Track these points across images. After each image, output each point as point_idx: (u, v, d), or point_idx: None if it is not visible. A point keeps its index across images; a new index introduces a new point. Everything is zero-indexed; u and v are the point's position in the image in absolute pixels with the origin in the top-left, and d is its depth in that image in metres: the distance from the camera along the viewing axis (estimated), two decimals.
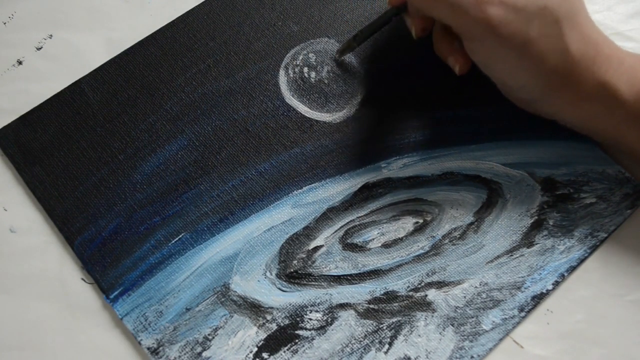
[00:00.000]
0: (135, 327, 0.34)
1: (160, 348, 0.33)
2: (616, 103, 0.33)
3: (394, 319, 0.34)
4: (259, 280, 0.35)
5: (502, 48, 0.33)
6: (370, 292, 0.35)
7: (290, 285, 0.35)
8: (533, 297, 0.34)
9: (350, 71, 0.40)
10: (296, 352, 0.33)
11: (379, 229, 0.36)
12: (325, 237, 0.36)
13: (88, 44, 0.41)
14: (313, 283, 0.35)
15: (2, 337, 0.34)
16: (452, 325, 0.34)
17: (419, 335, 0.34)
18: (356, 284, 0.35)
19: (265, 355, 0.33)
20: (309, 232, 0.36)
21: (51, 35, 0.41)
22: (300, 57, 0.40)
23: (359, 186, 0.37)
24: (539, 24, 0.32)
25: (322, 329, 0.34)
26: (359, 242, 0.36)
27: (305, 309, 0.34)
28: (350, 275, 0.35)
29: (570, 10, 0.33)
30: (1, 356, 0.33)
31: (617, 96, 0.33)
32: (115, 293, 0.34)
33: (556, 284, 0.35)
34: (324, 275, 0.35)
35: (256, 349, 0.33)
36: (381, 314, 0.34)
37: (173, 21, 0.41)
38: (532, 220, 0.36)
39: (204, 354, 0.33)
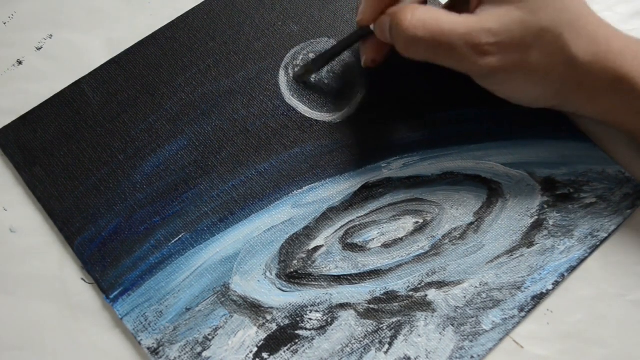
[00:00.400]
0: (135, 327, 0.34)
1: (160, 348, 0.33)
2: (634, 95, 0.33)
3: (394, 319, 0.34)
4: (259, 280, 0.35)
5: (509, 78, 0.33)
6: (370, 292, 0.35)
7: (290, 285, 0.35)
8: (533, 297, 0.34)
9: (350, 71, 0.40)
10: (296, 352, 0.33)
11: (379, 229, 0.36)
12: (325, 237, 0.36)
13: (88, 44, 0.41)
14: (313, 283, 0.35)
15: (2, 337, 0.34)
16: (452, 325, 0.34)
17: (419, 335, 0.34)
18: (356, 284, 0.35)
19: (265, 355, 0.33)
20: (309, 232, 0.36)
21: (51, 35, 0.41)
22: (300, 57, 0.40)
23: (359, 186, 0.37)
24: (539, 46, 0.32)
25: (322, 329, 0.34)
26: (359, 242, 0.36)
27: (305, 309, 0.34)
28: (350, 275, 0.35)
29: (570, 18, 0.32)
30: (1, 356, 0.33)
31: (635, 88, 0.33)
32: (115, 293, 0.34)
33: (556, 284, 0.35)
34: (324, 275, 0.35)
35: (256, 349, 0.33)
36: (381, 314, 0.34)
37: (173, 21, 0.41)
38: (532, 220, 0.36)
39: (204, 354, 0.33)
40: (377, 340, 0.33)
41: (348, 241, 0.36)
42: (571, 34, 0.32)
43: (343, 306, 0.34)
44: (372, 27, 0.36)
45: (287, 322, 0.34)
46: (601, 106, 0.35)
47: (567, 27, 0.32)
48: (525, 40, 0.32)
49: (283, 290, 0.35)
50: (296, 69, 0.40)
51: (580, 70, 0.33)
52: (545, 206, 0.36)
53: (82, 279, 0.35)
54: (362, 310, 0.34)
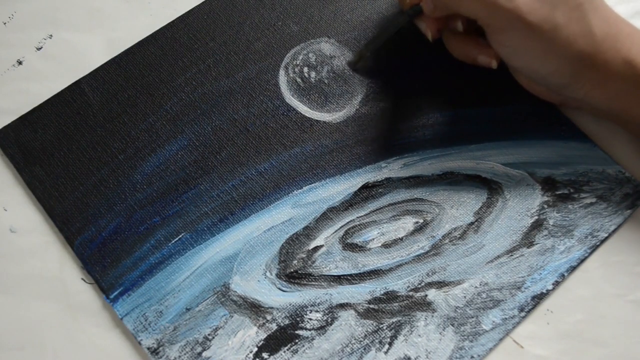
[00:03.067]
0: (135, 327, 0.34)
1: (160, 348, 0.33)
2: None
3: (394, 319, 0.34)
4: (259, 280, 0.35)
5: (531, 36, 0.34)
6: (370, 292, 0.35)
7: (290, 285, 0.35)
8: (533, 297, 0.34)
9: (350, 71, 0.40)
10: (296, 352, 0.33)
11: (379, 228, 0.36)
12: (325, 237, 0.36)
13: (88, 44, 0.41)
14: (313, 283, 0.35)
15: (2, 337, 0.34)
16: (452, 325, 0.34)
17: (419, 335, 0.34)
18: (356, 284, 0.35)
19: (265, 355, 0.33)
20: (309, 232, 0.36)
21: (51, 35, 0.41)
22: (300, 57, 0.40)
23: (359, 186, 0.37)
24: (564, 9, 0.33)
25: (322, 329, 0.34)
26: (359, 242, 0.36)
27: (305, 309, 0.34)
28: (350, 275, 0.35)
29: None
30: (1, 356, 0.33)
31: None
32: (115, 293, 0.34)
33: (556, 284, 0.35)
34: (324, 275, 0.35)
35: (256, 349, 0.33)
36: (381, 314, 0.34)
37: (173, 21, 0.41)
38: (532, 220, 0.36)
39: (204, 354, 0.33)
40: (377, 340, 0.33)
41: (348, 241, 0.36)
42: (589, 9, 0.34)
43: (343, 306, 0.34)
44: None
45: (287, 322, 0.34)
46: (610, 90, 0.35)
47: (586, 0, 0.33)
48: None
49: (283, 290, 0.35)
50: (351, 61, 0.40)
51: (595, 47, 0.34)
52: (545, 206, 0.36)
53: (82, 279, 0.35)
54: (362, 310, 0.34)
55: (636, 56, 0.34)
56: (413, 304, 0.34)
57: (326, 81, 0.40)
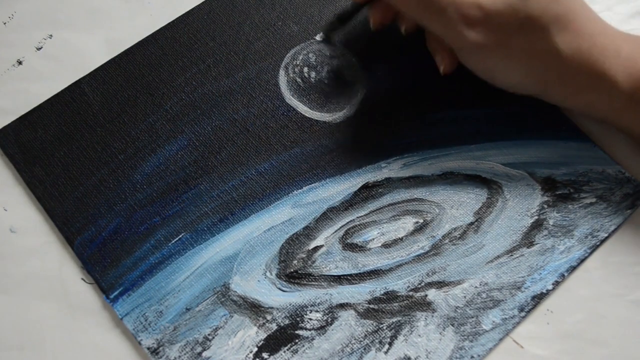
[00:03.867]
0: (135, 327, 0.34)
1: (160, 348, 0.33)
2: (615, 92, 0.34)
3: (394, 319, 0.34)
4: (259, 280, 0.35)
5: (490, 57, 0.34)
6: (370, 292, 0.35)
7: (290, 285, 0.35)
8: (533, 297, 0.34)
9: (350, 71, 0.40)
10: (296, 352, 0.33)
11: (379, 229, 0.36)
12: (325, 237, 0.36)
13: (88, 44, 0.41)
14: (313, 283, 0.35)
15: (2, 337, 0.34)
16: (452, 325, 0.34)
17: (419, 335, 0.34)
18: (356, 284, 0.35)
19: (265, 355, 0.33)
20: (309, 232, 0.36)
21: (51, 35, 0.41)
22: (300, 57, 0.40)
23: (359, 186, 0.37)
24: (523, 35, 0.33)
25: (322, 329, 0.34)
26: (359, 242, 0.36)
27: (305, 309, 0.34)
28: (350, 275, 0.35)
29: (558, 11, 0.33)
30: (1, 356, 0.33)
31: (615, 86, 0.34)
32: (115, 293, 0.34)
33: (556, 284, 0.35)
34: (324, 275, 0.35)
35: (256, 349, 0.33)
36: (381, 314, 0.34)
37: (173, 21, 0.41)
38: (532, 220, 0.36)
39: (204, 354, 0.33)
40: (377, 340, 0.33)
41: (348, 241, 0.36)
42: (557, 27, 0.33)
43: (343, 306, 0.34)
44: None
45: (287, 322, 0.34)
46: (582, 101, 0.35)
47: (553, 19, 0.33)
48: (510, 25, 0.33)
49: (283, 290, 0.35)
50: (322, 31, 0.40)
51: (562, 62, 0.33)
52: (545, 206, 0.36)
53: (82, 279, 0.35)
54: (362, 310, 0.34)
55: (609, 71, 0.33)
56: (413, 304, 0.34)
57: (326, 81, 0.40)
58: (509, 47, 0.33)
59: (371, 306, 0.34)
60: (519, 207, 0.36)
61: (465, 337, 0.33)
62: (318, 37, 0.40)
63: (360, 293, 0.35)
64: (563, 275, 0.35)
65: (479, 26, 0.33)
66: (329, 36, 0.40)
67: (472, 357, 0.33)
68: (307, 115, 0.39)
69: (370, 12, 0.38)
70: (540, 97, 0.37)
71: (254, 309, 0.34)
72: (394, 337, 0.34)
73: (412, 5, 0.34)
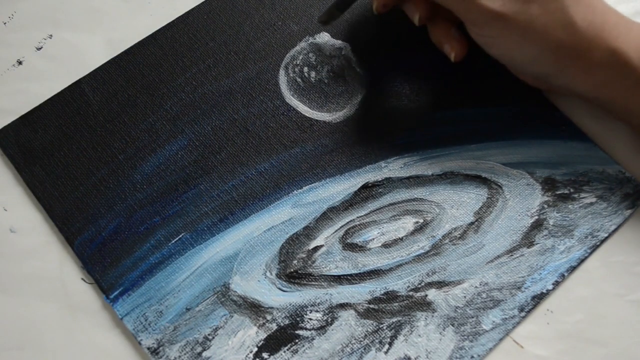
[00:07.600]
0: (135, 327, 0.34)
1: (161, 348, 0.33)
2: (627, 69, 0.34)
3: (394, 319, 0.34)
4: (259, 280, 0.35)
5: (507, 27, 0.34)
6: (371, 292, 0.35)
7: (290, 285, 0.35)
8: (533, 297, 0.34)
9: (350, 71, 0.40)
10: (296, 352, 0.33)
11: (379, 228, 0.36)
12: (325, 237, 0.36)
13: (88, 44, 0.41)
14: (313, 283, 0.35)
15: (2, 337, 0.34)
16: (452, 325, 0.34)
17: (419, 335, 0.34)
18: (356, 284, 0.35)
19: (265, 355, 0.33)
20: (309, 232, 0.36)
21: (51, 35, 0.41)
22: (300, 57, 0.40)
23: (359, 186, 0.37)
24: (540, 3, 0.33)
25: (322, 329, 0.34)
26: (359, 242, 0.36)
27: (305, 309, 0.34)
28: (350, 275, 0.35)
29: None
30: (1, 356, 0.33)
31: (627, 62, 0.34)
32: (115, 293, 0.34)
33: (556, 284, 0.35)
34: (324, 275, 0.35)
35: (256, 349, 0.33)
36: (381, 314, 0.34)
37: (173, 21, 0.41)
38: (532, 220, 0.36)
39: (204, 354, 0.33)
40: (377, 340, 0.33)
41: (348, 241, 0.36)
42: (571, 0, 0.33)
43: (343, 306, 0.34)
44: None
45: (287, 322, 0.34)
46: (595, 79, 0.35)
47: None
48: None
49: (283, 290, 0.35)
50: (320, 19, 0.40)
51: (577, 36, 0.34)
52: (545, 206, 0.36)
53: (82, 279, 0.35)
54: (362, 310, 0.34)
55: (621, 46, 0.34)
56: (413, 304, 0.34)
57: (326, 81, 0.40)
58: (527, 16, 0.33)
59: (371, 306, 0.34)
60: (519, 207, 0.36)
61: (466, 337, 0.33)
62: (317, 37, 0.40)
63: (360, 293, 0.35)
64: (563, 275, 0.35)
65: None
66: (327, 24, 0.40)
67: (472, 357, 0.33)
68: (307, 115, 0.39)
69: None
70: (550, 79, 0.36)
71: (254, 308, 0.34)
72: (394, 337, 0.34)
73: None
